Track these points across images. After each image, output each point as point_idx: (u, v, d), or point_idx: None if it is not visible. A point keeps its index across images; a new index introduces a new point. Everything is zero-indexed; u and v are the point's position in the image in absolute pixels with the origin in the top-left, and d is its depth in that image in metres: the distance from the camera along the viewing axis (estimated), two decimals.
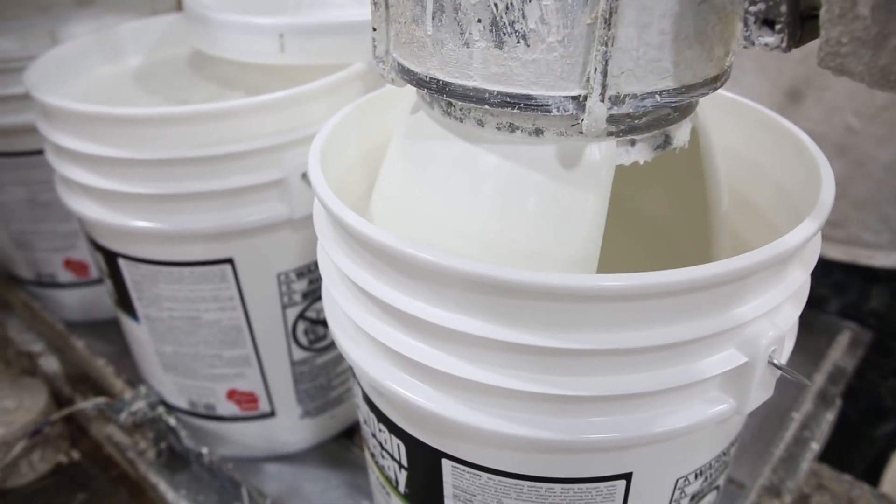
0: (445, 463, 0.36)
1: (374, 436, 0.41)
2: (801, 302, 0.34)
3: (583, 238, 0.31)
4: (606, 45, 0.27)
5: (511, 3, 0.28)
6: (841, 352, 0.72)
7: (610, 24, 0.27)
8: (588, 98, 0.28)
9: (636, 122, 0.31)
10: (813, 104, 0.70)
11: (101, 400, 0.63)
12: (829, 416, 0.63)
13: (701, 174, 0.38)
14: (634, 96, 0.29)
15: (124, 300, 0.57)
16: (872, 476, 0.88)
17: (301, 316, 0.56)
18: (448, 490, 0.37)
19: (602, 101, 0.28)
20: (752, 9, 0.26)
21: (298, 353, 0.58)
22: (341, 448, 0.66)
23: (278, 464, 0.64)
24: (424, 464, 0.37)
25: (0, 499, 0.62)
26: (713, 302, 0.29)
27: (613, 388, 0.29)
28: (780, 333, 0.30)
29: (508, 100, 0.30)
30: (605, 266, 0.34)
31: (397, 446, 0.38)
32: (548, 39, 0.28)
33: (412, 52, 0.32)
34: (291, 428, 0.63)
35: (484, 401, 0.31)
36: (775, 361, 0.30)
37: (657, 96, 0.29)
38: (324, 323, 0.58)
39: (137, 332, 0.59)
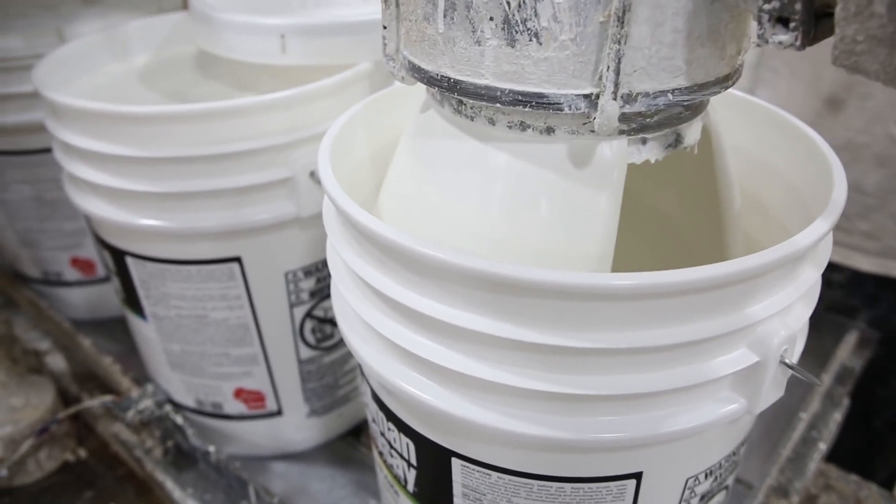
0: (455, 462, 0.36)
1: (382, 434, 0.41)
2: (812, 301, 0.34)
3: (596, 237, 0.31)
4: (619, 43, 0.27)
5: (523, 1, 0.27)
6: (848, 352, 0.72)
7: (623, 22, 0.27)
8: (600, 96, 0.28)
9: (648, 120, 0.31)
10: (854, 112, 0.69)
11: (108, 398, 0.64)
12: (837, 417, 0.63)
13: (713, 173, 0.38)
14: (647, 94, 0.29)
15: (132, 298, 0.57)
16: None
17: (308, 314, 0.56)
18: (457, 489, 0.37)
19: (614, 99, 0.28)
20: (767, 7, 0.25)
21: (306, 352, 0.58)
22: (348, 447, 0.66)
23: (285, 462, 0.64)
24: (434, 462, 0.37)
25: (7, 497, 0.62)
26: (725, 301, 0.28)
27: (624, 387, 0.29)
28: (791, 333, 0.30)
29: (520, 98, 0.29)
30: (617, 265, 0.33)
31: (406, 445, 0.38)
32: (560, 37, 0.28)
33: (423, 49, 0.32)
34: (298, 426, 0.63)
35: (494, 399, 0.31)
36: (787, 361, 0.30)
37: (669, 95, 0.29)
38: (331, 321, 0.58)
39: (145, 331, 0.59)
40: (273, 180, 0.49)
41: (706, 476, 0.36)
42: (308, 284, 0.55)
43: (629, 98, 0.29)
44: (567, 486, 0.34)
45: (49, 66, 0.57)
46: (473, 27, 0.29)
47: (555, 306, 0.28)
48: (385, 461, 0.42)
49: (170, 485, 0.59)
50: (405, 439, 0.38)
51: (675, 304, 0.28)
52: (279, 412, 0.61)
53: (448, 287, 0.29)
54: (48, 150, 0.67)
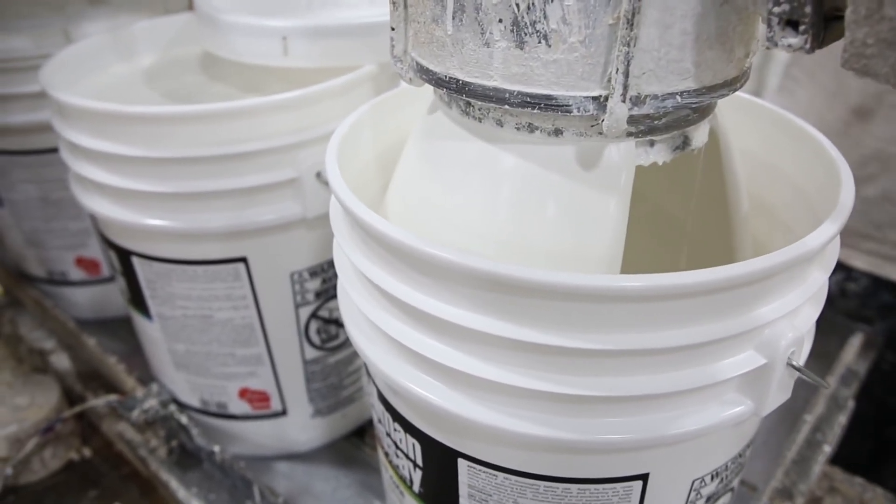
0: (461, 462, 0.36)
1: (388, 435, 0.41)
2: (819, 304, 0.34)
3: (604, 239, 0.31)
4: (629, 45, 0.27)
5: (533, 3, 0.28)
6: (853, 354, 0.71)
7: (632, 25, 0.27)
8: (609, 98, 0.28)
9: (656, 122, 0.31)
10: (883, 122, 0.69)
11: (113, 397, 0.64)
12: (842, 419, 0.63)
13: (720, 176, 0.38)
14: (655, 97, 0.29)
15: (137, 298, 0.57)
16: None
17: (314, 315, 0.56)
18: (463, 490, 0.37)
19: (623, 101, 0.28)
20: (776, 10, 0.25)
21: (311, 352, 0.58)
22: (352, 447, 0.66)
23: (289, 462, 0.64)
24: (440, 463, 0.37)
25: (12, 495, 0.62)
26: (734, 303, 0.28)
27: (632, 388, 0.29)
28: (799, 335, 0.30)
29: (529, 100, 0.29)
30: (625, 267, 0.34)
31: (412, 445, 0.38)
32: (569, 40, 0.28)
33: (431, 51, 0.32)
34: (303, 427, 0.63)
35: (500, 400, 0.31)
36: (794, 363, 0.30)
37: (678, 97, 0.29)
38: (336, 322, 0.58)
39: (150, 331, 0.59)
40: (279, 181, 0.49)
41: (712, 478, 0.36)
42: (313, 285, 0.55)
43: (638, 100, 0.29)
44: (573, 487, 0.34)
45: (56, 67, 0.57)
46: (482, 29, 0.29)
47: (562, 308, 0.28)
48: (390, 461, 0.42)
49: (174, 484, 0.59)
50: (411, 440, 0.38)
51: (683, 306, 0.28)
52: (284, 412, 0.61)
53: (455, 288, 0.29)
54: (54, 150, 0.67)
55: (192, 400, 0.62)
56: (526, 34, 0.28)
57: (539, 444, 0.32)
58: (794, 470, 0.58)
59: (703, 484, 0.36)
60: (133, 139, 0.47)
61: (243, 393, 0.59)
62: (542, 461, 0.33)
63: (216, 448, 0.59)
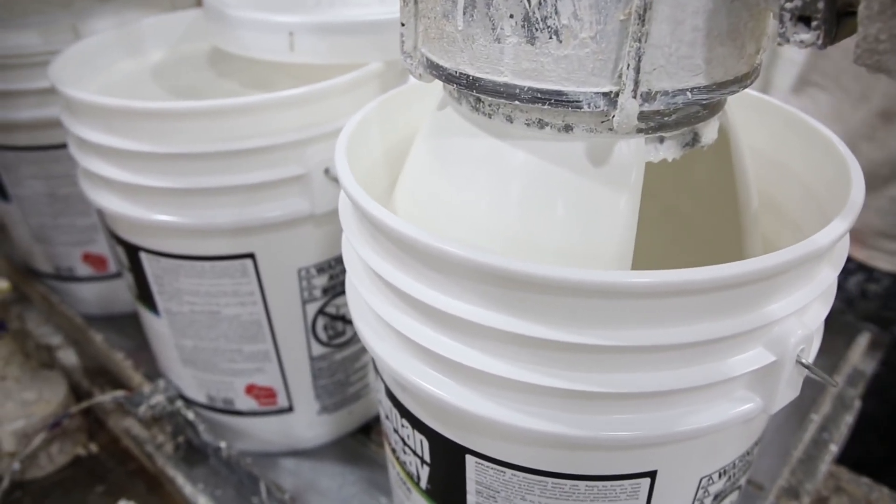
0: (469, 459, 0.36)
1: (396, 431, 0.41)
2: (828, 302, 0.33)
3: (615, 236, 0.31)
4: (640, 41, 0.27)
5: None
6: (860, 354, 0.71)
7: (644, 21, 0.27)
8: (620, 94, 0.28)
9: (666, 119, 0.31)
10: None
11: (120, 393, 0.64)
12: (848, 419, 0.63)
13: (730, 173, 0.38)
14: (665, 93, 0.29)
15: (145, 294, 0.57)
16: None
17: (321, 311, 0.56)
18: (471, 486, 0.37)
19: (634, 97, 0.28)
20: (789, 5, 0.25)
21: (317, 349, 0.58)
22: (358, 444, 0.66)
23: (295, 459, 0.64)
24: (447, 459, 0.37)
25: (19, 490, 0.62)
26: (743, 300, 0.28)
27: (640, 385, 0.29)
28: (808, 333, 0.30)
29: (539, 96, 0.29)
30: (635, 263, 0.33)
31: (420, 442, 0.38)
32: (580, 35, 0.28)
33: (442, 47, 0.32)
34: (309, 423, 0.63)
35: (509, 396, 0.31)
36: (803, 361, 0.30)
37: (688, 93, 0.29)
38: (343, 318, 0.58)
39: (157, 326, 0.59)
40: (287, 177, 0.49)
41: (720, 475, 0.36)
42: (321, 281, 0.55)
43: (648, 96, 0.29)
44: (581, 483, 0.34)
45: (65, 62, 0.57)
46: (493, 24, 0.29)
47: (572, 304, 0.28)
48: (398, 458, 0.42)
49: (181, 480, 0.60)
50: (419, 436, 0.38)
51: (692, 303, 0.28)
52: (290, 409, 0.61)
53: (465, 283, 0.29)
54: (61, 146, 0.67)
55: (199, 396, 0.62)
56: (537, 30, 0.28)
57: (547, 440, 0.32)
58: (800, 469, 0.58)
59: (710, 482, 0.36)
60: (142, 135, 0.48)
61: (250, 389, 0.60)
62: (550, 457, 0.33)
63: (223, 444, 0.59)
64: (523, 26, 0.28)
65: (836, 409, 0.64)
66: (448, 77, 0.32)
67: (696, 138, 0.33)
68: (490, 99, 0.32)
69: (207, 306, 0.55)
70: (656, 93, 0.29)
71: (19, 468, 0.61)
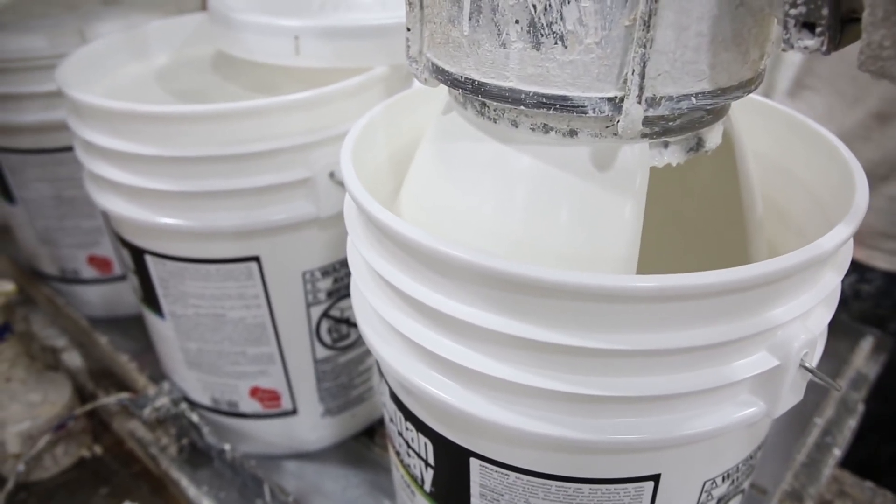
0: (473, 462, 0.36)
1: (400, 434, 0.41)
2: (832, 306, 0.34)
3: (620, 240, 0.32)
4: (644, 46, 0.27)
5: (549, 5, 0.28)
6: (864, 357, 0.71)
7: (649, 27, 0.27)
8: (625, 100, 0.28)
9: (670, 124, 0.31)
10: None
11: (124, 395, 0.64)
12: (852, 423, 0.63)
13: (734, 177, 0.38)
14: (670, 98, 0.29)
15: (150, 297, 0.57)
16: None
17: (325, 314, 0.57)
18: (475, 489, 0.37)
19: (639, 102, 0.28)
20: (793, 12, 0.26)
21: (321, 352, 0.58)
22: (362, 447, 0.66)
23: (299, 462, 0.65)
24: (452, 462, 0.37)
25: (24, 491, 0.62)
26: (747, 304, 0.29)
27: (644, 389, 0.29)
28: (812, 337, 0.30)
29: (544, 101, 0.30)
30: (639, 267, 0.34)
31: (424, 445, 0.38)
32: (585, 41, 0.28)
33: (447, 52, 0.32)
34: (313, 426, 0.63)
35: (513, 399, 0.31)
36: (807, 365, 0.30)
37: (693, 98, 0.29)
38: (347, 321, 0.58)
39: (162, 329, 0.60)
40: (292, 181, 0.49)
41: (723, 479, 0.37)
42: (325, 284, 0.55)
43: (653, 101, 0.29)
44: (585, 487, 0.34)
45: (72, 66, 0.57)
46: (499, 30, 0.29)
47: (577, 307, 0.28)
48: (402, 461, 0.43)
49: (185, 482, 0.60)
50: (423, 439, 0.38)
51: (696, 307, 0.28)
52: (294, 411, 0.61)
53: (469, 287, 0.30)
54: (67, 149, 0.68)
55: (204, 398, 0.62)
56: (542, 35, 0.28)
57: (551, 443, 0.32)
58: (803, 473, 0.58)
59: (714, 485, 0.36)
60: (148, 138, 0.48)
61: (254, 392, 0.60)
62: (554, 461, 0.34)
63: (227, 446, 0.59)
64: (529, 32, 0.29)
65: (839, 412, 0.64)
66: (453, 82, 0.33)
67: (700, 143, 0.33)
68: (495, 104, 0.32)
69: (212, 309, 0.55)
70: (661, 98, 0.29)
71: (24, 470, 0.61)
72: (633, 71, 0.28)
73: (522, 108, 0.30)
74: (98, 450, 0.66)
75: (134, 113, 0.47)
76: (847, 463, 0.62)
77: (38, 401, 0.63)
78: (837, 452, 0.60)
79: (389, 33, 0.52)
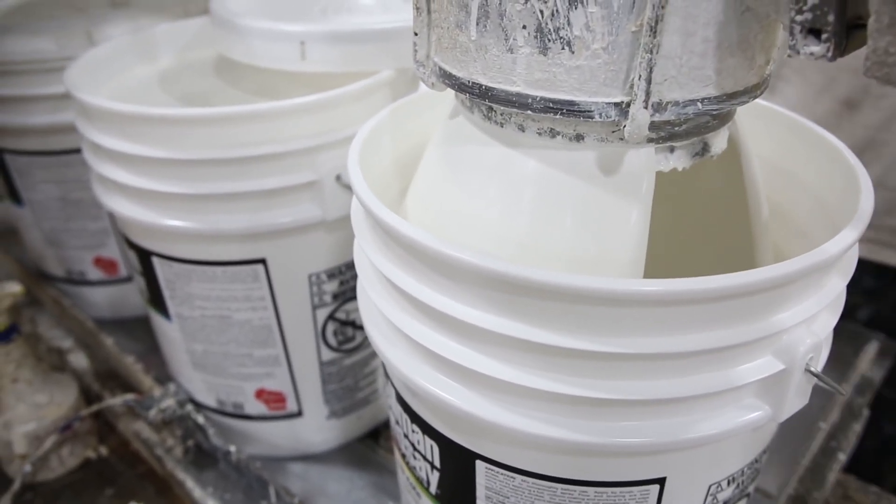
0: (479, 464, 0.36)
1: (406, 436, 0.41)
2: (837, 310, 0.34)
3: (626, 245, 0.32)
4: (651, 52, 0.27)
5: (556, 10, 0.28)
6: (868, 362, 0.71)
7: (655, 32, 0.27)
8: (631, 105, 0.29)
9: (676, 129, 0.31)
10: (871, 111, 0.72)
11: (130, 397, 0.64)
12: (857, 428, 0.63)
13: (740, 181, 0.38)
14: (676, 103, 0.29)
15: (156, 298, 0.58)
16: None
17: (331, 317, 0.57)
18: (481, 491, 0.37)
19: (645, 107, 0.28)
20: (799, 18, 0.26)
21: (327, 354, 0.59)
22: (367, 449, 0.66)
23: (304, 463, 0.65)
24: (458, 465, 0.37)
25: (30, 492, 0.62)
26: (753, 308, 0.29)
27: (650, 392, 0.29)
28: (817, 341, 0.30)
29: (551, 105, 0.30)
30: (645, 272, 0.34)
31: (430, 447, 0.38)
32: (592, 46, 0.28)
33: (454, 56, 0.32)
34: (318, 428, 0.63)
35: (519, 402, 0.31)
36: (812, 369, 0.30)
37: (699, 104, 0.29)
38: (353, 324, 0.58)
39: (168, 330, 0.60)
40: (298, 183, 0.49)
41: (729, 483, 0.37)
42: (331, 287, 0.55)
43: (659, 106, 0.29)
44: (591, 490, 0.34)
45: (80, 69, 0.58)
46: (506, 35, 0.30)
47: (583, 311, 0.28)
48: (407, 463, 0.43)
49: (190, 483, 0.60)
50: (429, 441, 0.38)
51: (702, 311, 0.28)
52: (299, 413, 0.62)
53: (476, 290, 0.30)
54: (74, 151, 0.68)
55: (209, 400, 0.62)
56: (549, 40, 0.29)
57: (557, 446, 0.32)
58: (808, 477, 0.58)
59: (719, 489, 0.36)
60: (156, 141, 0.48)
61: (260, 393, 0.60)
62: (559, 464, 0.34)
63: (232, 448, 0.59)
64: (536, 37, 0.29)
65: (844, 417, 0.64)
66: (461, 86, 0.33)
67: (705, 148, 0.33)
68: (502, 108, 0.32)
69: (218, 311, 0.55)
70: (667, 103, 0.29)
71: (30, 470, 0.62)
72: (640, 76, 0.28)
73: (529, 112, 0.31)
74: (104, 451, 0.67)
75: (142, 116, 0.48)
76: (851, 468, 0.62)
77: (44, 402, 0.63)
78: (842, 457, 0.60)
79: (395, 37, 0.53)
